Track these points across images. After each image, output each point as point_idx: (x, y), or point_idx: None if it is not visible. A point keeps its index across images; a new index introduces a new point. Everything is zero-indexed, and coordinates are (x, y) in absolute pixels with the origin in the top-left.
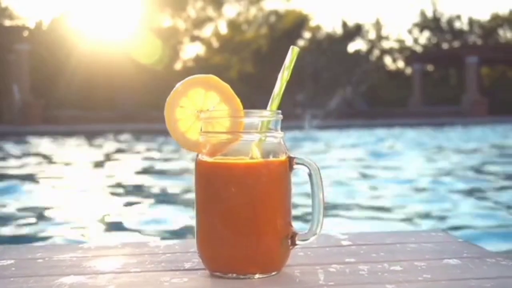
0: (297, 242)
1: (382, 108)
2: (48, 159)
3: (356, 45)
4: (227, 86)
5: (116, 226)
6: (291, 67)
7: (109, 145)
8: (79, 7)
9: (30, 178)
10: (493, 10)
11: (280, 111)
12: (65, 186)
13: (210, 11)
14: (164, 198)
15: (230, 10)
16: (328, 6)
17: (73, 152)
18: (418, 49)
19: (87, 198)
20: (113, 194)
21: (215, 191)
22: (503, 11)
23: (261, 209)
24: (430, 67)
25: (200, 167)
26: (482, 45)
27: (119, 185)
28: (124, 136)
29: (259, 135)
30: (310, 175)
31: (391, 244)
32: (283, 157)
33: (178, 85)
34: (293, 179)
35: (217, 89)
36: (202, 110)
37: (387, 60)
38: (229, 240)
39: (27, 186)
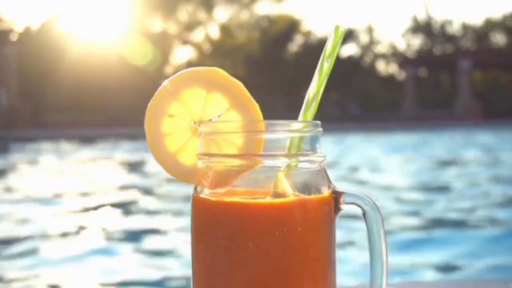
0: None
1: (375, 112)
2: (22, 172)
3: (348, 50)
4: (239, 85)
5: (91, 262)
6: (335, 54)
7: (98, 152)
8: (68, 11)
9: None
10: (486, 15)
11: (319, 122)
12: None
13: (201, 15)
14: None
15: (222, 14)
16: (320, 11)
17: (55, 162)
18: (411, 54)
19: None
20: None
21: (222, 245)
22: (496, 15)
23: (294, 273)
24: (423, 72)
25: (199, 207)
26: (475, 50)
27: (100, 206)
28: (114, 141)
29: (287, 160)
30: (366, 218)
31: None
32: (325, 193)
33: (166, 82)
34: None
35: (224, 89)
36: (202, 120)
37: (380, 65)
38: None
39: None
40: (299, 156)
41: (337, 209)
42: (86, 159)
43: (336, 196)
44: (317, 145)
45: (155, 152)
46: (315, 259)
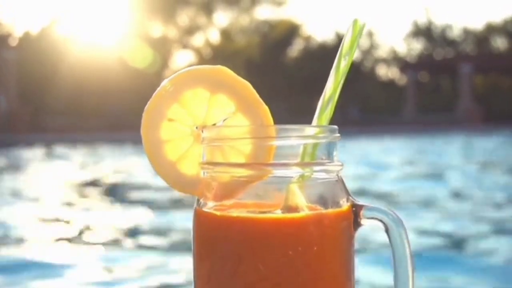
0: None
1: (376, 116)
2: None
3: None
4: (246, 85)
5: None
6: (353, 51)
7: (96, 158)
8: (68, 15)
9: None
10: (486, 19)
11: (336, 127)
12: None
13: (201, 19)
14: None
15: (222, 18)
16: (320, 15)
17: (52, 169)
18: (412, 58)
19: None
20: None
21: (228, 266)
22: (496, 20)
23: None
24: (423, 76)
25: (202, 222)
26: (475, 54)
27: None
28: (114, 146)
29: (300, 169)
30: (389, 235)
31: None
32: (344, 206)
33: (165, 82)
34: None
35: (230, 90)
36: (206, 125)
37: (380, 69)
38: None
39: None
40: (314, 165)
41: (356, 224)
42: (86, 164)
43: (356, 209)
44: (334, 153)
45: (153, 160)
46: (333, 282)
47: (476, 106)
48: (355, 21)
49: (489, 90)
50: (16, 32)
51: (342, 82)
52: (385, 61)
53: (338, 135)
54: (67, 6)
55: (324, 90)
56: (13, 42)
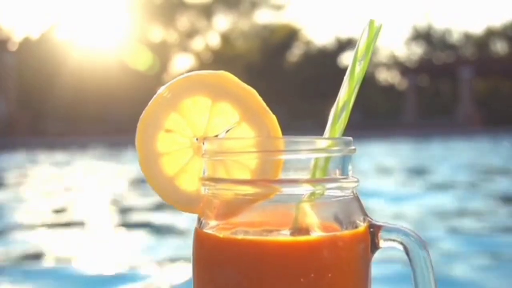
0: None
1: (376, 120)
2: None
3: (348, 59)
4: (251, 92)
5: None
6: (369, 55)
7: (97, 163)
8: (68, 20)
9: None
10: (486, 23)
11: (350, 139)
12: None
13: (202, 23)
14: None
15: (222, 22)
16: (320, 20)
17: (50, 174)
18: (412, 62)
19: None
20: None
21: None
22: (496, 24)
23: None
24: (424, 80)
25: (203, 244)
26: (475, 58)
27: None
28: (114, 150)
29: (311, 187)
30: (411, 258)
31: None
32: (360, 227)
33: (162, 88)
34: None
35: (234, 97)
36: (207, 136)
37: (381, 73)
38: None
39: None
40: (327, 182)
41: (374, 246)
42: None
43: (374, 230)
44: (349, 167)
45: (148, 175)
46: None
47: (476, 110)
48: (371, 22)
49: (489, 94)
50: (16, 36)
51: (357, 88)
52: (385, 65)
53: (354, 148)
54: (66, 11)
55: (337, 98)
56: (13, 47)
